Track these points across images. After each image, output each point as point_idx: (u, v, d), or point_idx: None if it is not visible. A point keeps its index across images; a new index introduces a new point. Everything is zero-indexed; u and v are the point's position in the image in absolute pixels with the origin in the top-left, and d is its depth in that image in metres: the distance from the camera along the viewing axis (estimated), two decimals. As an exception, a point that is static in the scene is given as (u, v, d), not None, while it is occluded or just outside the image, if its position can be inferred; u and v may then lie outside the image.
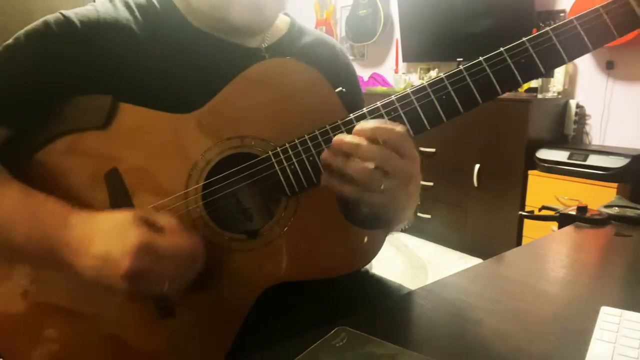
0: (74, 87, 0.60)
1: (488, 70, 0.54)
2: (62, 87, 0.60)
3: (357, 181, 0.51)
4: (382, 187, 0.51)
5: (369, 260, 0.59)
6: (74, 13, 0.61)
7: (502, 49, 0.54)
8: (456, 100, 0.54)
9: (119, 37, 0.62)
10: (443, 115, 0.55)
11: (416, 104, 0.55)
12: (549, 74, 2.43)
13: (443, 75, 0.55)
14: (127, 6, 0.65)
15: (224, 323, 0.60)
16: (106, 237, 0.52)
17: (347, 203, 0.60)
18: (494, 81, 0.54)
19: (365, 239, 0.59)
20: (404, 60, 3.41)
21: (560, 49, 0.54)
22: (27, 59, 0.60)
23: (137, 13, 0.64)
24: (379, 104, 0.56)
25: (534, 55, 0.54)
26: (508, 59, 0.54)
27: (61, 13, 0.61)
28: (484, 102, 0.55)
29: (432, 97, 0.55)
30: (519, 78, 0.54)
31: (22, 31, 0.61)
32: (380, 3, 3.52)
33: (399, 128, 0.51)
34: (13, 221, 0.56)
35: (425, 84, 0.55)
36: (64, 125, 0.60)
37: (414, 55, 3.34)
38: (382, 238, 0.60)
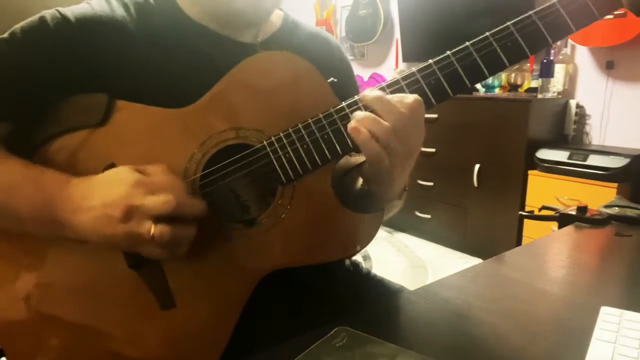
0: (69, 83, 0.60)
1: (475, 55, 0.56)
2: (57, 82, 0.60)
3: (381, 140, 0.53)
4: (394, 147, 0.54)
5: (364, 245, 0.60)
6: (70, 11, 0.62)
7: (487, 33, 0.57)
8: (445, 85, 0.57)
9: (115, 35, 0.62)
10: (432, 100, 0.57)
11: (406, 90, 0.57)
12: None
13: (432, 61, 0.57)
14: (123, 4, 0.65)
15: (223, 313, 0.60)
16: (104, 188, 0.54)
17: (344, 182, 0.62)
18: (482, 65, 0.56)
19: (361, 224, 0.60)
20: (404, 60, 3.41)
21: (544, 31, 0.56)
22: (23, 54, 0.60)
23: (132, 10, 0.65)
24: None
25: (519, 39, 0.56)
26: (494, 42, 0.56)
27: (57, 10, 0.61)
28: (472, 85, 0.59)
29: (422, 82, 0.56)
30: (505, 60, 0.56)
31: (17, 26, 0.61)
32: (380, 3, 3.52)
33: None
34: (16, 186, 0.57)
35: (415, 69, 0.57)
36: (62, 124, 0.60)
37: (414, 55, 3.34)
38: (377, 223, 0.61)
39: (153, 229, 0.52)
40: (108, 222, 0.53)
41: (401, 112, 0.53)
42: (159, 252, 0.54)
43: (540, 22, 0.55)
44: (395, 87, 0.57)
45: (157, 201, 0.52)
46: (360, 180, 0.64)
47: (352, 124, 0.53)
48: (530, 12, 0.56)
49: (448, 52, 0.56)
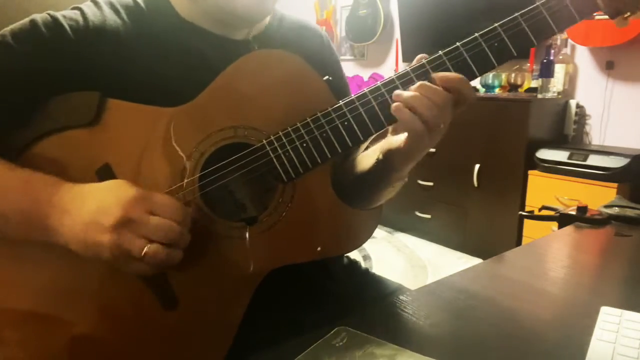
0: (61, 88, 0.60)
1: (465, 55, 0.60)
2: (48, 87, 0.60)
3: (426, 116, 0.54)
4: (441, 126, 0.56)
5: (364, 240, 0.61)
6: (62, 16, 0.61)
7: (476, 34, 0.61)
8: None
9: (107, 41, 0.61)
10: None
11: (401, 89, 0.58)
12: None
13: (424, 61, 0.60)
14: (113, 8, 0.64)
15: (226, 313, 0.60)
16: (99, 194, 0.53)
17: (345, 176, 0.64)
18: (471, 63, 0.60)
19: (361, 219, 0.61)
20: (404, 60, 3.40)
21: (529, 32, 0.58)
22: (13, 58, 0.59)
23: (123, 14, 0.64)
24: (365, 89, 0.59)
25: (506, 40, 0.59)
26: (483, 43, 0.60)
27: (49, 14, 0.60)
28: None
29: (416, 81, 0.58)
30: (493, 60, 0.59)
31: (7, 29, 0.59)
32: (380, 3, 3.52)
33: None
34: (3, 189, 0.56)
35: (409, 69, 0.59)
36: (53, 123, 0.59)
37: (414, 55, 3.26)
38: (376, 217, 0.62)
39: (147, 248, 0.50)
40: (97, 229, 0.51)
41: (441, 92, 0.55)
42: (146, 270, 0.52)
43: (524, 23, 0.58)
44: (390, 85, 0.58)
45: (160, 225, 0.51)
46: (374, 158, 0.65)
47: (394, 105, 0.55)
48: (516, 14, 0.59)
49: (440, 52, 0.60)
